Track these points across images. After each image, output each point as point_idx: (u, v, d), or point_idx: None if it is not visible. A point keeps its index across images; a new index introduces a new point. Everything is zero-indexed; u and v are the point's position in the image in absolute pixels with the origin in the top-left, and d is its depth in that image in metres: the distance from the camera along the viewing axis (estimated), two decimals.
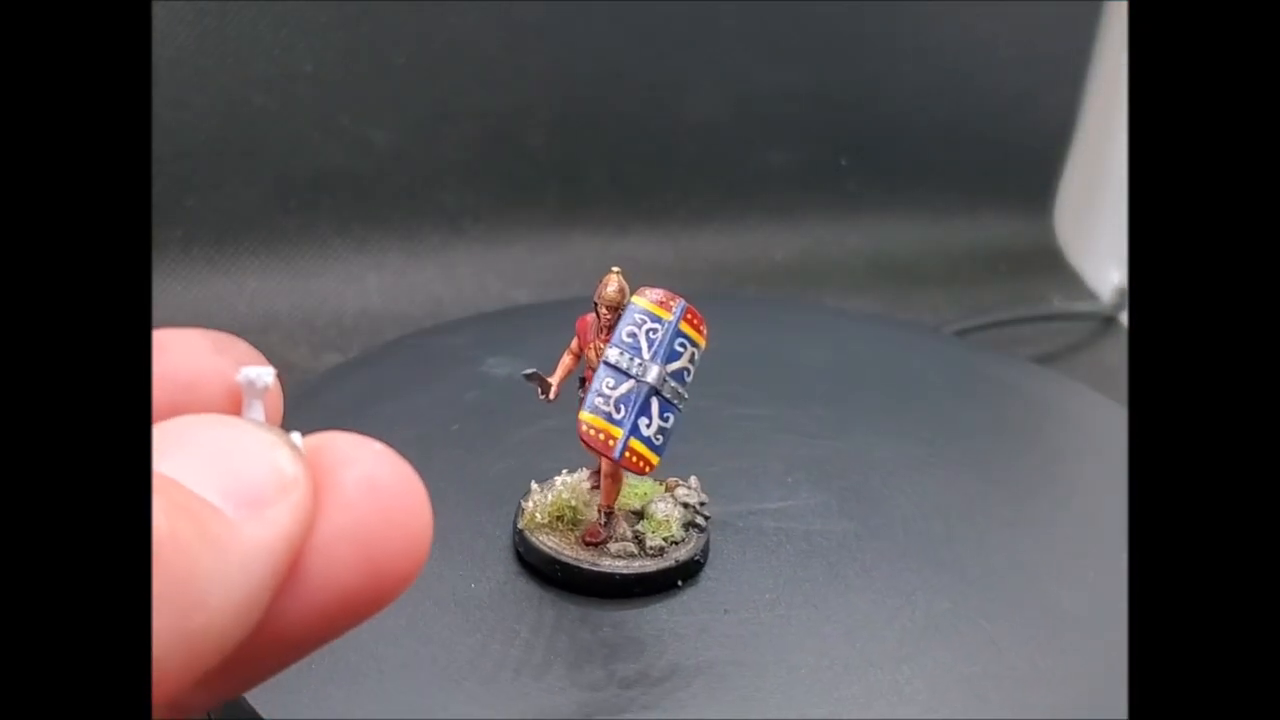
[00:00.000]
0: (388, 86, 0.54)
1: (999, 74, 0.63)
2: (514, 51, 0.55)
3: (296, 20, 0.51)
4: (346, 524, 0.15)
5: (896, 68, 0.61)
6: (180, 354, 0.17)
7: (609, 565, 0.29)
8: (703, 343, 0.28)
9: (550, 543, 0.30)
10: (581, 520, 0.30)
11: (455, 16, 0.54)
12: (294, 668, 0.16)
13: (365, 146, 0.54)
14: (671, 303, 0.28)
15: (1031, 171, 0.65)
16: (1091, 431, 0.41)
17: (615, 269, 0.28)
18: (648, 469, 0.27)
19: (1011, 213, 0.65)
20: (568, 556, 0.29)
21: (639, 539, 0.30)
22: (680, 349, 0.28)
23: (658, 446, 0.27)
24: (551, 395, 0.29)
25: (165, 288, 0.51)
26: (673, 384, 0.28)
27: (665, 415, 0.28)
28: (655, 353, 0.28)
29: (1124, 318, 0.59)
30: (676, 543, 0.30)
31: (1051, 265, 0.64)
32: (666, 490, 0.31)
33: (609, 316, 0.28)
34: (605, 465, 0.29)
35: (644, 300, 0.28)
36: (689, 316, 0.28)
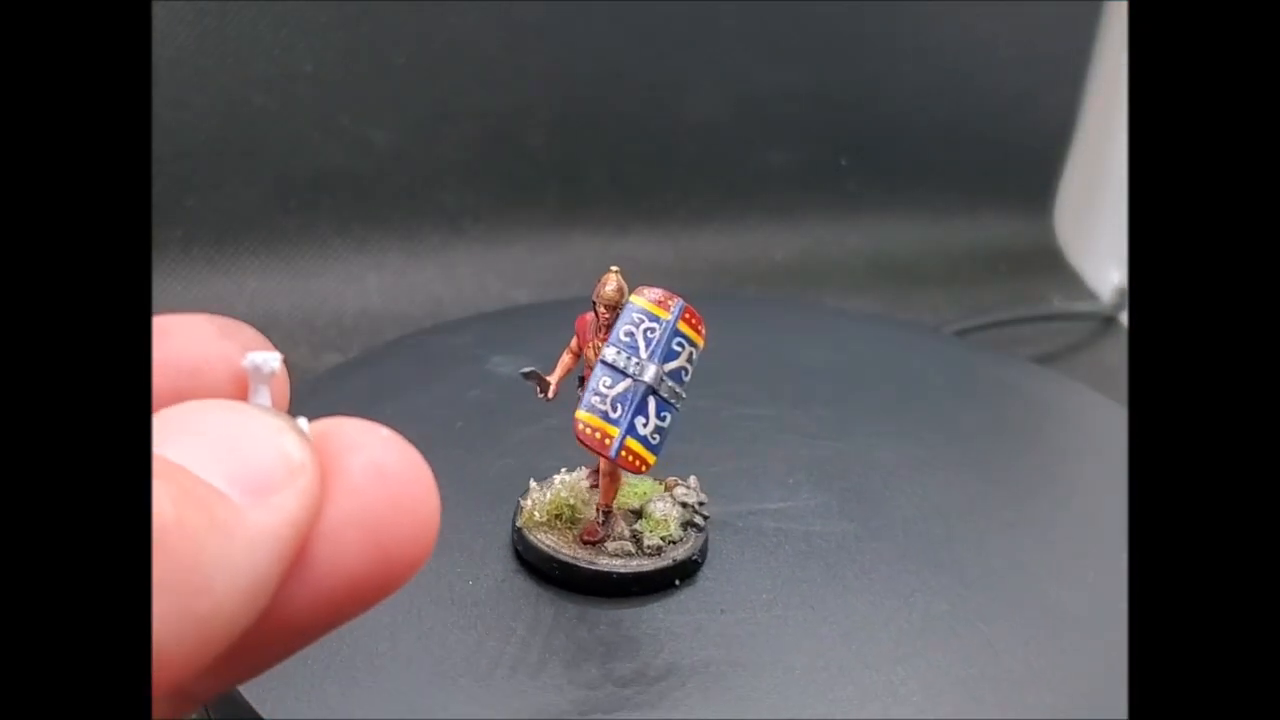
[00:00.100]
0: (388, 86, 0.54)
1: (999, 74, 0.63)
2: (514, 51, 0.55)
3: (296, 20, 0.51)
4: (354, 509, 0.15)
5: (896, 68, 0.61)
6: (185, 339, 0.17)
7: (606, 564, 0.29)
8: (701, 342, 0.28)
9: (548, 541, 0.30)
10: (580, 519, 0.30)
11: (455, 16, 0.54)
12: (290, 662, 0.16)
13: (365, 146, 0.54)
14: (670, 302, 0.28)
15: (1031, 171, 0.65)
16: (1091, 431, 0.41)
17: (614, 268, 0.28)
18: (644, 468, 0.27)
19: (1011, 213, 0.65)
20: (565, 555, 0.29)
21: (637, 538, 0.30)
22: (678, 348, 0.28)
23: (654, 446, 0.27)
24: (550, 394, 0.29)
25: (165, 288, 0.51)
26: (670, 383, 0.28)
27: (662, 414, 0.28)
28: (653, 352, 0.28)
29: (1124, 318, 0.59)
30: (674, 542, 0.30)
31: (1051, 265, 0.64)
32: (666, 490, 0.31)
33: (607, 316, 0.28)
34: (604, 464, 0.29)
35: (642, 300, 0.28)
36: (687, 316, 0.28)
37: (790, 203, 0.62)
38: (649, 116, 0.58)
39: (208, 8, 0.50)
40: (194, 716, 0.30)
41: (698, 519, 0.31)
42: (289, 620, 0.15)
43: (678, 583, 0.30)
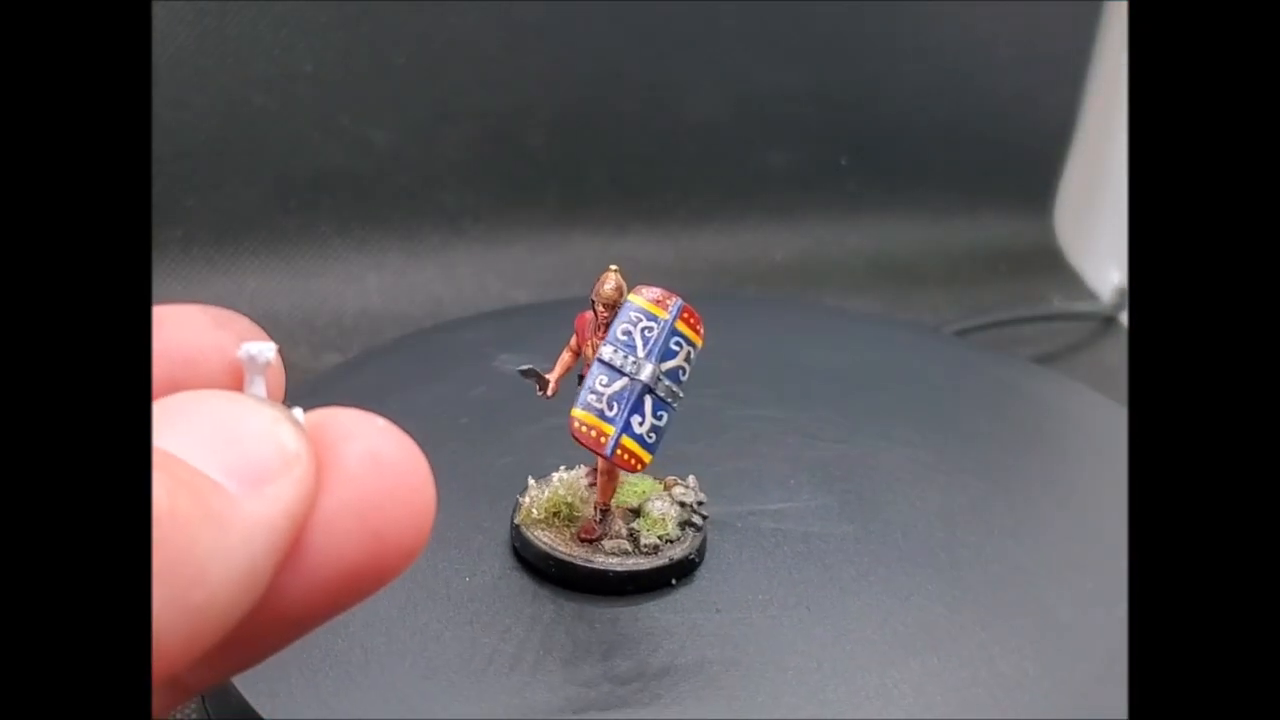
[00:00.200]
0: (388, 86, 0.54)
1: (999, 74, 0.63)
2: (514, 51, 0.55)
3: (296, 20, 0.51)
4: (349, 498, 0.15)
5: (896, 68, 0.61)
6: (180, 329, 0.17)
7: (603, 562, 0.29)
8: (699, 342, 0.28)
9: (546, 538, 0.30)
10: (578, 517, 0.30)
11: (455, 16, 0.54)
12: (285, 655, 0.16)
13: (365, 146, 0.54)
14: (668, 301, 0.28)
15: (1031, 171, 0.65)
16: (1091, 431, 0.41)
17: (613, 267, 0.28)
18: (640, 467, 0.27)
19: (1011, 213, 0.64)
20: (562, 553, 0.29)
21: (634, 537, 0.30)
22: (676, 348, 0.28)
23: (650, 445, 0.27)
24: (549, 392, 0.29)
25: (165, 288, 0.51)
26: (667, 382, 0.28)
27: (659, 414, 0.28)
28: (650, 351, 0.28)
29: (1124, 318, 0.59)
30: (672, 541, 0.30)
31: (1051, 265, 0.64)
32: (665, 489, 0.31)
33: (606, 314, 0.28)
34: (602, 463, 0.29)
35: (640, 298, 0.28)
36: (685, 315, 0.28)
37: (790, 203, 0.62)
38: (649, 116, 0.58)
39: (208, 8, 0.50)
40: (194, 716, 0.30)
41: (696, 519, 0.31)
42: (285, 610, 0.15)
43: (674, 582, 0.30)
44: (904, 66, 0.61)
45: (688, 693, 0.26)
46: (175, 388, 0.16)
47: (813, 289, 0.59)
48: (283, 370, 0.17)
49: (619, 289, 0.28)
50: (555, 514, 0.30)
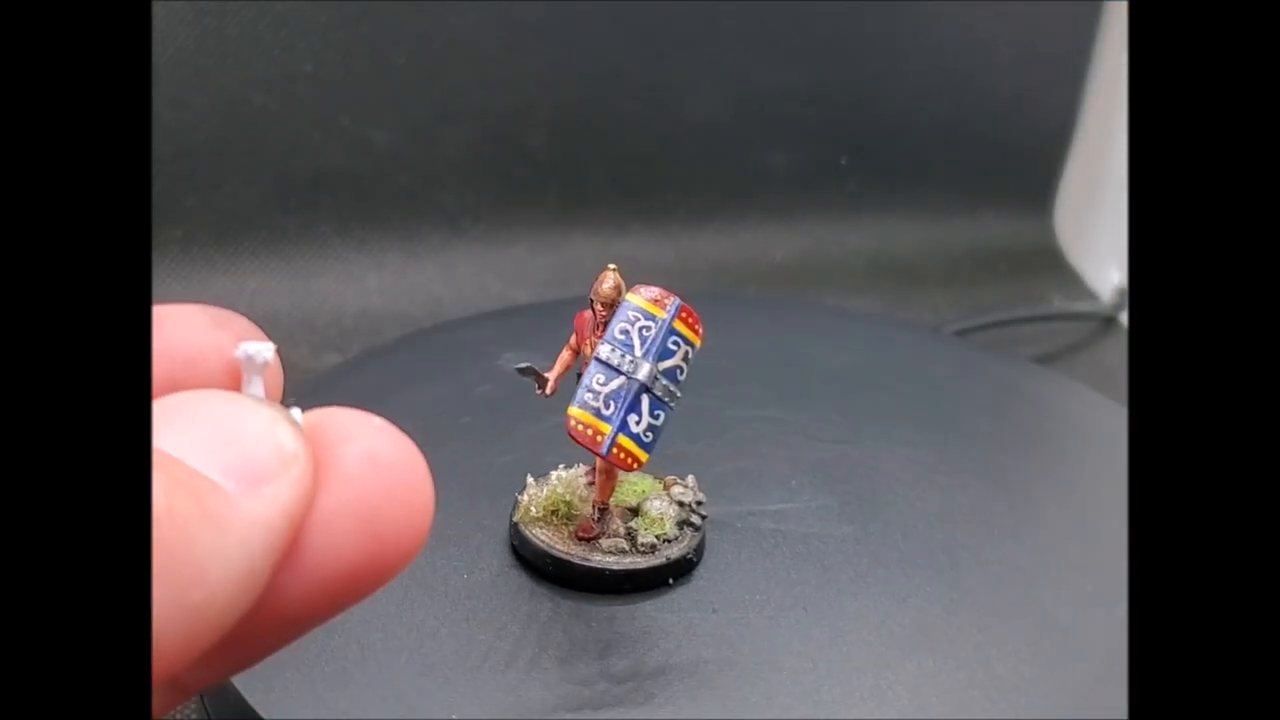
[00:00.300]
0: (388, 86, 0.54)
1: (999, 74, 0.63)
2: (514, 51, 0.55)
3: (296, 20, 0.51)
4: (347, 498, 0.15)
5: (896, 68, 0.61)
6: (179, 329, 0.17)
7: (599, 561, 0.29)
8: (698, 342, 0.28)
9: (543, 536, 0.30)
10: (576, 515, 0.30)
11: (455, 16, 0.53)
12: (280, 651, 0.16)
13: (365, 146, 0.54)
14: (666, 300, 0.28)
15: (1031, 171, 0.65)
16: (1091, 431, 0.41)
17: (611, 265, 0.28)
18: (636, 466, 0.27)
19: (1011, 213, 0.64)
20: (559, 551, 0.29)
21: (631, 536, 0.30)
22: (673, 347, 0.28)
23: (647, 444, 0.27)
24: (548, 390, 0.29)
25: (165, 288, 0.51)
26: (664, 382, 0.28)
27: (656, 413, 0.28)
28: (647, 350, 0.28)
29: (1124, 318, 0.58)
30: (669, 541, 0.30)
31: (1051, 265, 0.64)
32: (664, 488, 0.31)
33: (604, 313, 0.28)
34: (600, 462, 0.29)
35: (638, 298, 0.28)
36: (684, 315, 0.28)
37: (790, 203, 0.62)
38: (649, 116, 0.58)
39: (208, 8, 0.50)
40: (193, 716, 0.30)
41: (694, 518, 0.31)
42: (283, 610, 0.15)
43: (671, 581, 0.30)
44: (904, 66, 0.61)
45: (682, 692, 0.26)
46: (174, 387, 0.16)
47: (813, 289, 0.59)
48: (281, 370, 0.17)
49: (617, 288, 0.28)
50: (554, 512, 0.30)
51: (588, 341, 0.29)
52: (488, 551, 0.31)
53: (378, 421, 0.16)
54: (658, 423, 0.28)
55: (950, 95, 0.62)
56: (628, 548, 0.30)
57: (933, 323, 0.55)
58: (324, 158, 0.53)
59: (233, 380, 0.17)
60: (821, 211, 0.62)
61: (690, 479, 0.32)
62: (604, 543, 0.30)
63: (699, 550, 0.31)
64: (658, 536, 0.30)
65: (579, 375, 0.29)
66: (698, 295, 0.30)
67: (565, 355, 0.29)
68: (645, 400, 0.27)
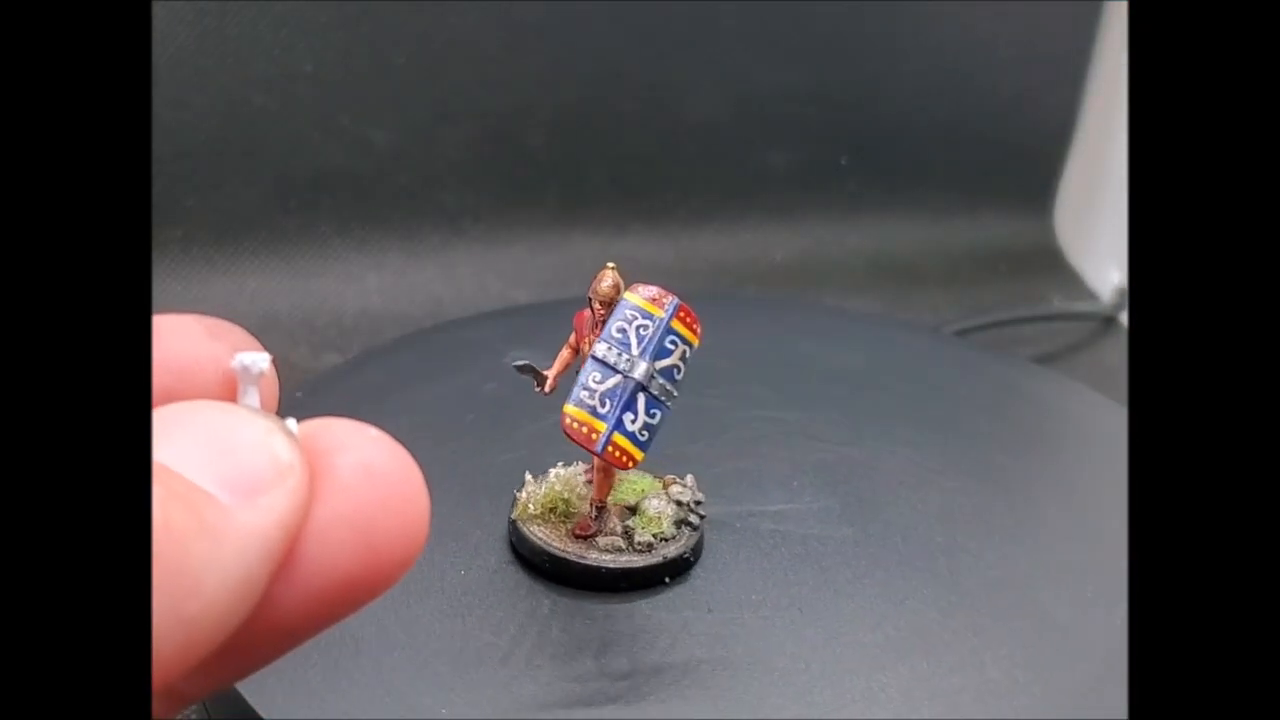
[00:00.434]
0: (388, 86, 0.54)
1: (999, 74, 0.63)
2: (514, 51, 0.55)
3: (296, 20, 0.51)
4: (343, 509, 0.15)
5: (896, 68, 0.61)
6: (175, 340, 0.17)
7: (596, 559, 0.29)
8: (696, 341, 0.28)
9: (541, 534, 0.30)
10: (574, 513, 0.30)
11: (455, 16, 0.53)
12: None
13: (365, 146, 0.54)
14: (664, 300, 0.28)
15: (1031, 171, 0.65)
16: (1091, 431, 0.41)
17: (610, 264, 0.29)
18: (631, 464, 0.28)
19: (1011, 213, 0.64)
20: (556, 548, 0.29)
21: (628, 534, 0.30)
22: (671, 346, 0.28)
23: (642, 442, 0.28)
24: (547, 388, 0.29)
25: (165, 288, 0.51)
26: (661, 381, 0.28)
27: (652, 412, 0.28)
28: (644, 349, 0.28)
29: (1124, 318, 0.59)
30: (667, 540, 0.30)
31: (1051, 265, 0.64)
32: (663, 487, 0.31)
33: (603, 312, 0.28)
34: (598, 460, 0.29)
35: (636, 297, 0.28)
36: (682, 314, 0.28)
37: (790, 203, 0.62)
38: (649, 116, 0.58)
39: (208, 8, 0.50)
40: (193, 716, 0.30)
41: (692, 518, 0.31)
42: (279, 621, 0.15)
43: (668, 580, 0.30)
44: (904, 66, 0.61)
45: (674, 691, 0.27)
46: (169, 398, 0.16)
47: (813, 289, 0.59)
48: (276, 381, 0.17)
49: (616, 287, 0.28)
50: (552, 510, 0.30)
51: (587, 340, 0.29)
52: (486, 548, 0.31)
53: (373, 432, 0.16)
54: (654, 421, 0.28)
55: (950, 95, 0.62)
56: (624, 546, 0.30)
57: (933, 323, 0.55)
58: (324, 158, 0.53)
59: (228, 391, 0.17)
60: (821, 211, 0.62)
61: (689, 478, 0.32)
62: (601, 541, 0.30)
63: (696, 550, 0.31)
64: (655, 535, 0.30)
65: (578, 373, 0.29)
66: (698, 295, 0.30)
67: (565, 353, 0.30)
68: (641, 399, 0.27)
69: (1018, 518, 0.34)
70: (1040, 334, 0.56)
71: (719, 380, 0.39)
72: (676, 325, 0.28)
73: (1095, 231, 0.63)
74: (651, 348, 0.28)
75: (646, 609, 0.29)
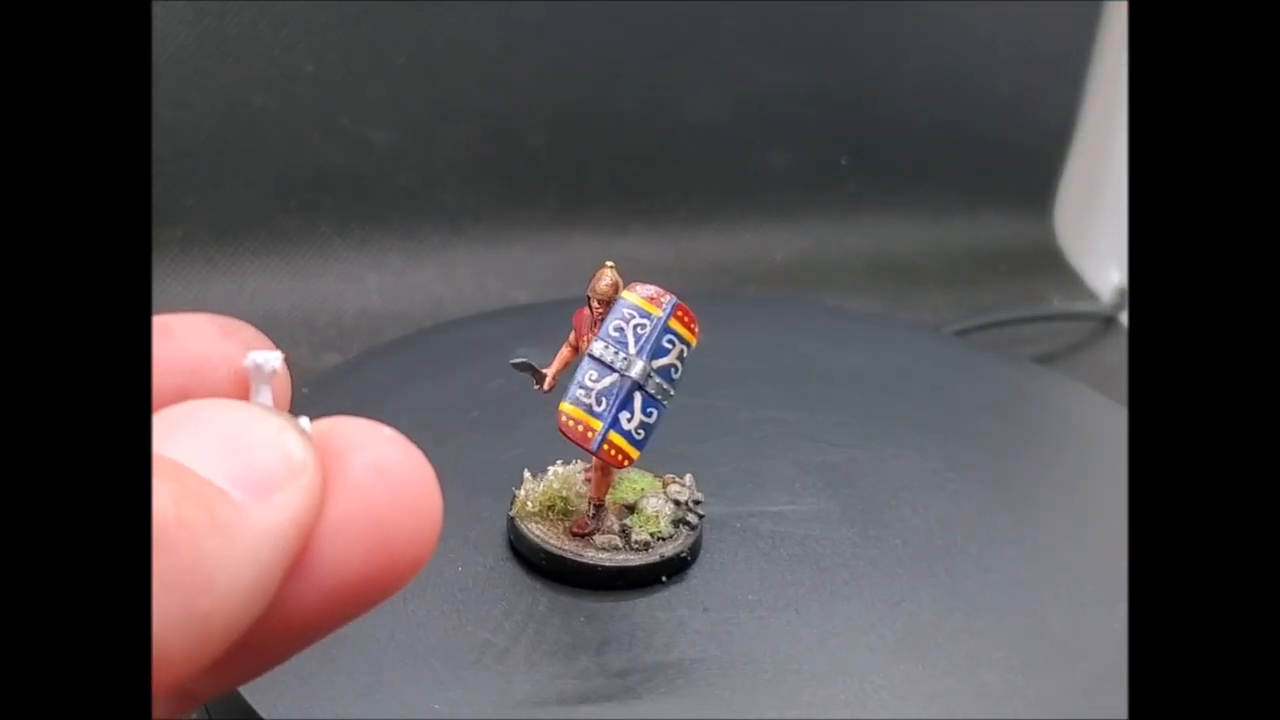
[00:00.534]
0: (388, 86, 0.54)
1: (999, 74, 0.63)
2: (514, 51, 0.55)
3: (296, 20, 0.51)
4: (355, 508, 0.15)
5: (896, 68, 0.61)
6: (187, 338, 0.17)
7: (592, 557, 0.29)
8: (694, 341, 0.29)
9: (539, 531, 0.30)
10: (573, 511, 0.30)
11: (455, 16, 0.53)
12: None
13: (365, 146, 0.54)
14: (662, 299, 0.28)
15: (1031, 171, 0.65)
16: (1091, 431, 0.41)
17: (609, 263, 0.29)
18: (626, 463, 0.28)
19: (1011, 213, 0.64)
20: (553, 546, 0.29)
21: (625, 533, 0.30)
22: (668, 345, 0.28)
23: (639, 441, 0.28)
24: (546, 386, 0.29)
25: (165, 288, 0.51)
26: (658, 380, 0.28)
27: (648, 411, 0.28)
28: (641, 348, 0.28)
29: (1124, 318, 0.59)
30: (664, 539, 0.30)
31: (1051, 265, 0.64)
32: (663, 486, 0.31)
33: (601, 310, 0.28)
34: (595, 458, 0.29)
35: (634, 296, 0.28)
36: (680, 314, 0.28)
37: (790, 203, 0.62)
38: (649, 116, 0.58)
39: (208, 8, 0.50)
40: (192, 715, 0.30)
41: (691, 517, 0.31)
42: (291, 620, 0.15)
43: (664, 579, 0.30)
44: (904, 66, 0.61)
45: (665, 690, 0.27)
46: (182, 396, 0.16)
47: (813, 289, 0.59)
48: (289, 379, 0.17)
49: (614, 285, 0.28)
50: (550, 507, 0.30)
51: (586, 338, 0.29)
52: (484, 545, 0.31)
53: (387, 431, 0.16)
54: (650, 420, 0.28)
55: (950, 95, 0.62)
56: (621, 545, 0.30)
57: (933, 323, 0.55)
58: (324, 158, 0.53)
59: (241, 389, 0.17)
60: (821, 211, 0.62)
61: (688, 478, 0.32)
62: (598, 539, 0.30)
63: (694, 549, 0.31)
64: (652, 534, 0.30)
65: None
66: (698, 295, 0.30)
67: (565, 352, 0.30)
68: (638, 398, 0.28)
69: (1017, 519, 0.34)
70: (1040, 334, 0.56)
71: (723, 380, 0.39)
72: (674, 324, 0.28)
73: (1095, 231, 0.63)
74: (649, 347, 0.28)
75: (643, 608, 0.29)
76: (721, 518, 0.32)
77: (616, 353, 0.28)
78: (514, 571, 0.30)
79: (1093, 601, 0.30)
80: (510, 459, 0.34)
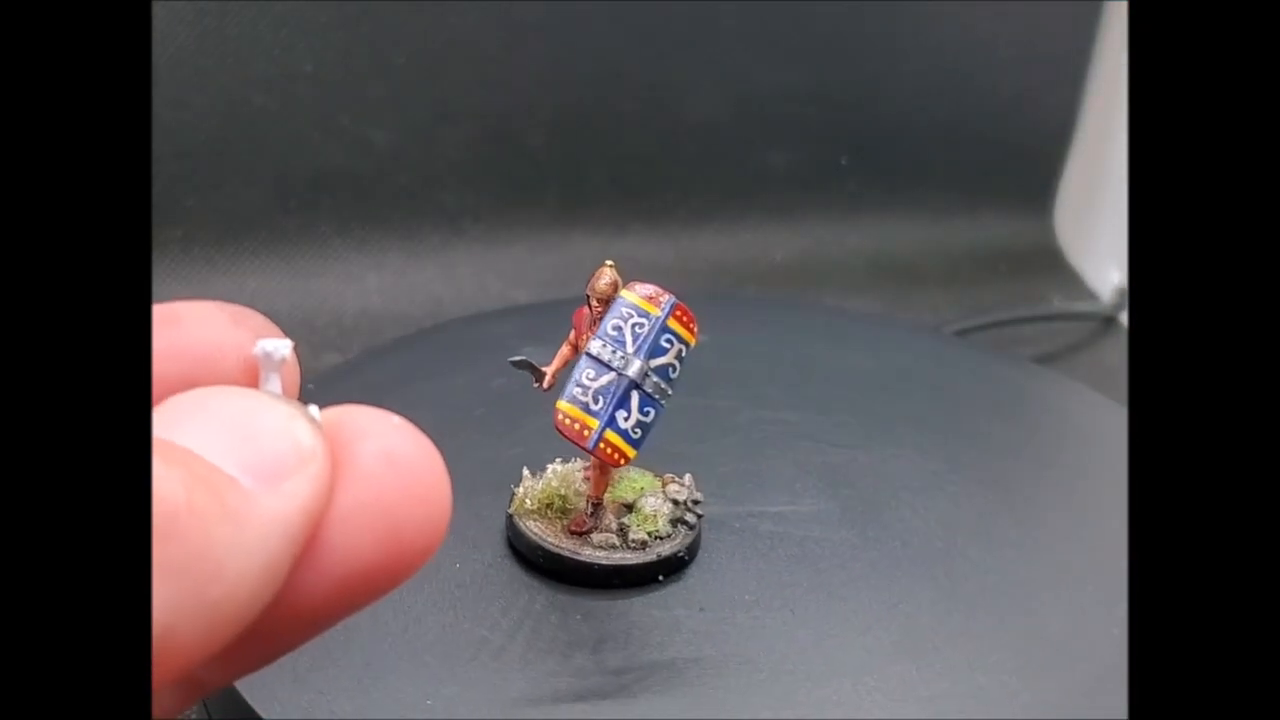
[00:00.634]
0: (388, 86, 0.54)
1: (999, 74, 0.63)
2: (514, 51, 0.55)
3: (296, 20, 0.51)
4: (365, 497, 0.15)
5: (896, 68, 0.61)
6: (197, 326, 0.17)
7: (589, 555, 0.29)
8: (692, 340, 0.29)
9: (536, 529, 0.30)
10: (571, 509, 0.30)
11: (455, 16, 0.53)
12: None
13: (365, 146, 0.54)
14: (661, 298, 0.28)
15: (1031, 171, 0.65)
16: (1091, 431, 0.41)
17: (608, 262, 0.29)
18: (623, 461, 0.28)
19: (1011, 213, 0.64)
20: (550, 544, 0.30)
21: (623, 532, 0.30)
22: (666, 345, 0.28)
23: (635, 440, 0.28)
24: (545, 385, 0.29)
25: (165, 288, 0.51)
26: (655, 379, 0.28)
27: (645, 410, 0.28)
28: (639, 347, 0.28)
29: (1124, 318, 0.58)
30: (661, 538, 0.30)
31: (1051, 265, 0.64)
32: (662, 486, 0.31)
33: (600, 309, 0.28)
34: (592, 457, 0.29)
35: (632, 295, 0.28)
36: (678, 313, 0.28)
37: (790, 203, 0.62)
38: (649, 116, 0.58)
39: (208, 8, 0.50)
40: (193, 715, 0.30)
41: (689, 516, 0.31)
42: (300, 608, 0.15)
43: (661, 578, 0.30)
44: (904, 66, 0.61)
45: (658, 689, 0.27)
46: (192, 384, 0.16)
47: (813, 289, 0.59)
48: (298, 367, 0.17)
49: (613, 284, 0.28)
50: (548, 505, 0.30)
51: (585, 337, 0.29)
52: (483, 542, 0.31)
53: (396, 420, 0.16)
54: (647, 420, 0.28)
55: (950, 95, 0.62)
56: (618, 544, 0.30)
57: (933, 323, 0.55)
58: (324, 158, 0.53)
59: (250, 377, 0.17)
60: (821, 211, 0.62)
61: (687, 477, 0.32)
62: (595, 538, 0.30)
63: (692, 549, 0.31)
64: (649, 534, 0.30)
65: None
66: (698, 295, 0.30)
67: (565, 350, 0.30)
68: (635, 397, 0.28)
69: (1017, 519, 0.34)
70: (1040, 334, 0.56)
71: (724, 381, 0.39)
72: (673, 324, 0.28)
73: (1095, 231, 0.63)
74: (646, 346, 0.28)
75: (639, 607, 0.29)
76: (721, 518, 0.32)
77: (614, 351, 0.28)
78: (512, 569, 0.30)
79: (1092, 603, 0.30)
80: (510, 458, 0.34)
